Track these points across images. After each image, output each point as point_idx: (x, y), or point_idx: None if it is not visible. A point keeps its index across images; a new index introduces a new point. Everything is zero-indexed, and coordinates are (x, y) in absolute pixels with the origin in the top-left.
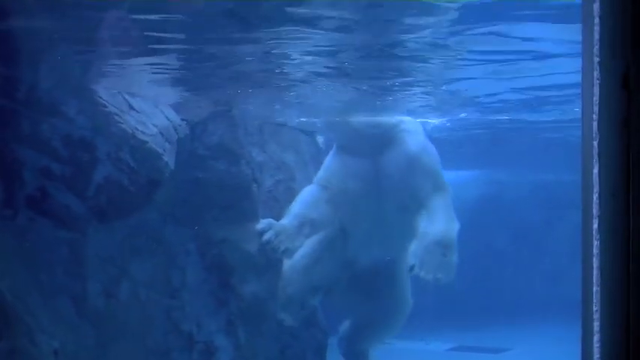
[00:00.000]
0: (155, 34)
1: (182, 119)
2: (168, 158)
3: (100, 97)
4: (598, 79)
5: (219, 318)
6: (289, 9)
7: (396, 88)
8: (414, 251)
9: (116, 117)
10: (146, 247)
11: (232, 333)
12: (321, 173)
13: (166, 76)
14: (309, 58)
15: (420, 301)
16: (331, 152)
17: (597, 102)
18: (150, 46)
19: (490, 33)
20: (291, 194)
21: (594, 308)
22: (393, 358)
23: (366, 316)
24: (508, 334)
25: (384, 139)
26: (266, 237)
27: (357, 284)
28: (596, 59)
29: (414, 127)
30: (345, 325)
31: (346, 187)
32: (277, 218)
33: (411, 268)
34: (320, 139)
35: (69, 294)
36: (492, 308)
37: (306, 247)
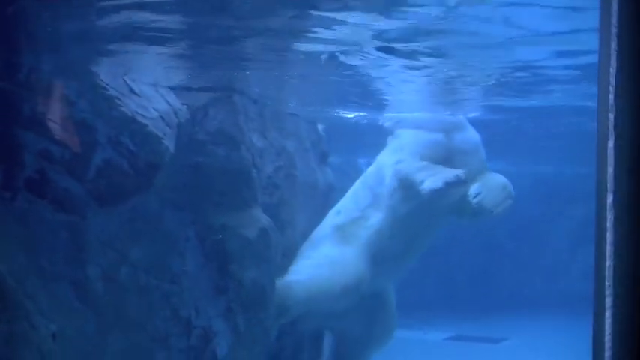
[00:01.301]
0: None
1: (183, 104)
2: (169, 142)
3: (101, 80)
4: (615, 49)
5: (217, 304)
6: None
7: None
8: (477, 187)
9: (117, 100)
10: (146, 232)
11: (231, 319)
12: None
13: (168, 56)
14: None
15: (420, 292)
16: None
17: (614, 74)
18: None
19: None
20: (291, 181)
21: (607, 283)
22: (391, 347)
23: (356, 331)
24: (506, 324)
25: None
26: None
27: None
28: (614, 30)
29: None
30: (330, 342)
31: None
32: (277, 205)
33: (476, 195)
34: (320, 126)
35: (68, 278)
36: (491, 299)
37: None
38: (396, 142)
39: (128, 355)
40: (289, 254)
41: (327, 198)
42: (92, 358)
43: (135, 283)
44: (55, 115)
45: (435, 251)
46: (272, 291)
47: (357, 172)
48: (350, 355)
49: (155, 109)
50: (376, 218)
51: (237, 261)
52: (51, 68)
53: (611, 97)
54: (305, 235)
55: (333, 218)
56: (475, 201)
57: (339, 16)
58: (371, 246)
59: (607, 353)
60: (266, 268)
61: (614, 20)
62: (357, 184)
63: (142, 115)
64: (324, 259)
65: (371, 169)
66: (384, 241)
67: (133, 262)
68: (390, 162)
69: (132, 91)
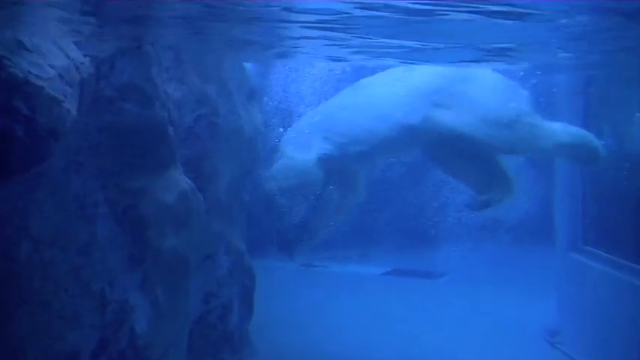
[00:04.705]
0: None
1: (85, 55)
2: (70, 105)
3: None
4: None
5: (134, 275)
6: None
7: None
8: None
9: (5, 60)
10: (48, 201)
11: (149, 292)
12: None
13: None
14: None
15: (356, 222)
16: None
17: None
18: None
19: None
20: (213, 130)
21: None
22: (325, 281)
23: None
24: (446, 256)
25: None
26: None
27: None
28: None
29: None
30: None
31: None
32: (198, 159)
33: None
34: (248, 64)
35: None
36: (429, 229)
37: None
38: None
39: (34, 338)
40: (213, 211)
41: (253, 143)
42: None
43: (38, 259)
44: None
45: (373, 184)
46: (195, 259)
47: None
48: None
49: (52, 67)
50: None
51: (154, 228)
52: None
53: None
54: (230, 189)
55: None
56: None
57: None
58: None
59: None
60: (187, 235)
61: None
62: None
63: (36, 75)
64: None
65: None
66: None
67: (34, 235)
68: None
69: (22, 46)
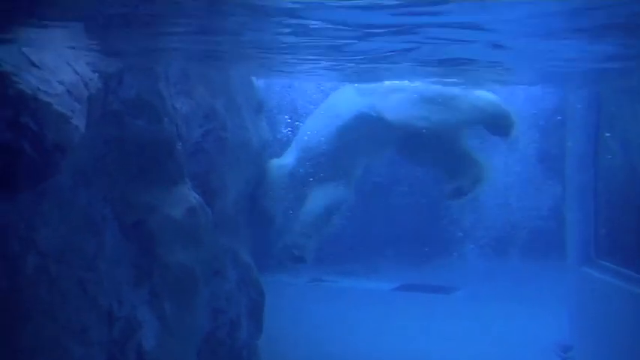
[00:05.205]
0: None
1: (93, 71)
2: (78, 120)
3: None
4: None
5: (141, 291)
6: None
7: None
8: None
9: (13, 77)
10: (55, 215)
11: (157, 307)
12: None
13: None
14: None
15: (366, 237)
16: None
17: None
18: None
19: None
20: (221, 145)
21: None
22: (334, 297)
23: None
24: (456, 271)
25: None
26: None
27: None
28: None
29: None
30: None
31: None
32: (206, 173)
33: None
34: (255, 78)
35: None
36: (440, 244)
37: None
38: None
39: (41, 353)
40: (220, 225)
41: (261, 157)
42: None
43: (45, 273)
44: None
45: (378, 195)
46: (203, 274)
47: None
48: None
49: (60, 83)
50: None
51: (162, 243)
52: None
53: None
54: (237, 203)
55: None
56: None
57: None
58: None
59: None
60: (195, 250)
61: None
62: None
63: (44, 91)
64: None
65: None
66: None
67: (41, 250)
68: None
69: (31, 63)
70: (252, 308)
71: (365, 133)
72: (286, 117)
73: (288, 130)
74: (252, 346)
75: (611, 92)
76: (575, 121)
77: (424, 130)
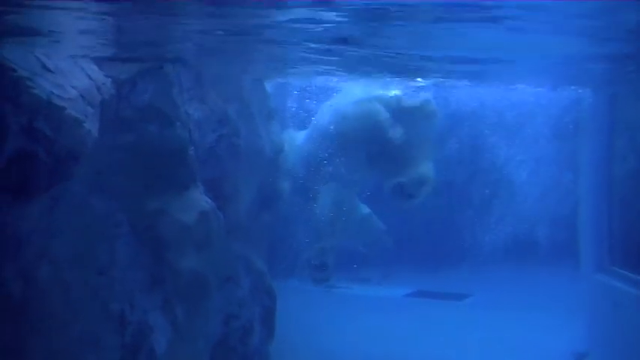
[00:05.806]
0: None
1: (106, 76)
2: (91, 125)
3: (7, 60)
4: None
5: (153, 296)
6: None
7: None
8: None
9: (27, 82)
10: (68, 222)
11: (169, 312)
12: None
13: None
14: None
15: (378, 244)
16: None
17: None
18: None
19: None
20: (234, 151)
21: None
22: (346, 303)
23: None
24: (468, 278)
25: None
26: None
27: None
28: None
29: None
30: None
31: None
32: (219, 179)
33: None
34: (267, 84)
35: None
36: (453, 251)
37: None
38: None
39: (54, 359)
40: (233, 231)
41: (274, 163)
42: None
43: (58, 280)
44: None
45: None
46: (215, 280)
47: None
48: None
49: (74, 87)
50: None
51: (175, 248)
52: None
53: None
54: (251, 209)
55: None
56: None
57: None
58: None
59: None
60: (207, 255)
61: None
62: None
63: (58, 96)
64: None
65: None
66: None
67: (54, 256)
68: None
69: (45, 67)
70: (265, 314)
71: None
72: None
73: None
74: (264, 352)
75: (625, 96)
76: (589, 128)
77: None
